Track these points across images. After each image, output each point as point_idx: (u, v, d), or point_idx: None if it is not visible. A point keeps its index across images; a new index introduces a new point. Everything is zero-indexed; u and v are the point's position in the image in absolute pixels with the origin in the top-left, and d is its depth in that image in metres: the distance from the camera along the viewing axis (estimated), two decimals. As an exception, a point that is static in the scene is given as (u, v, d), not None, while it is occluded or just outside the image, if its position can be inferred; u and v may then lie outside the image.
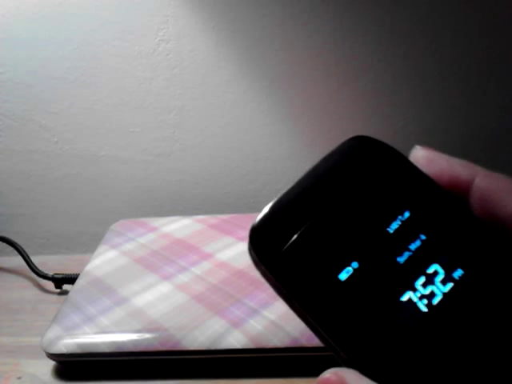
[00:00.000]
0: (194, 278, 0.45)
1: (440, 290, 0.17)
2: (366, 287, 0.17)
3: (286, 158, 0.61)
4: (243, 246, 0.50)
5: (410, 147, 0.67)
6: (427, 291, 0.17)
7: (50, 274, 0.50)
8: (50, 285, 0.50)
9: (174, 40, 0.56)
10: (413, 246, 0.18)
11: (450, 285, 0.17)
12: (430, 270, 0.17)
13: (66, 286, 0.50)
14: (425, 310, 0.17)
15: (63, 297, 0.48)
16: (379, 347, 0.17)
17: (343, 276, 0.18)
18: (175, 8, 0.55)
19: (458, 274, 0.17)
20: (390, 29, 0.55)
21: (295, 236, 0.18)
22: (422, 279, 0.17)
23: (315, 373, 0.39)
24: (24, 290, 0.51)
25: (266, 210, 0.19)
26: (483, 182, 0.20)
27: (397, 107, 0.58)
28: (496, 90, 0.57)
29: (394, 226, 0.18)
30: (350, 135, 0.67)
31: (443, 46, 0.55)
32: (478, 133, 0.59)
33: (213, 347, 0.37)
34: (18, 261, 0.53)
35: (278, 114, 0.59)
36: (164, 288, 0.44)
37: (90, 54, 0.57)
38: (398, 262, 0.17)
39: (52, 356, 0.39)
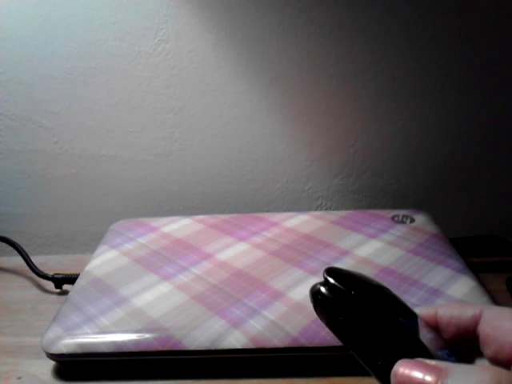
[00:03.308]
0: (194, 277, 0.45)
1: None
2: None
3: (286, 158, 0.61)
4: (243, 246, 0.50)
5: (410, 146, 0.67)
6: None
7: (50, 274, 0.50)
8: (50, 285, 0.50)
9: (173, 40, 0.56)
10: None
11: None
12: None
13: (65, 286, 0.50)
14: None
15: (63, 297, 0.48)
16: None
17: None
18: (175, 8, 0.55)
19: None
20: (390, 28, 0.55)
21: None
22: None
23: (315, 373, 0.40)
24: (24, 290, 0.51)
25: None
26: (491, 312, 0.23)
27: (396, 107, 0.58)
28: (496, 90, 0.57)
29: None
30: (350, 135, 0.67)
31: (443, 45, 0.55)
32: (477, 132, 0.59)
33: (213, 347, 0.37)
34: (18, 261, 0.53)
35: (277, 113, 0.59)
36: (164, 288, 0.44)
37: (90, 53, 0.57)
38: None
39: (52, 356, 0.39)
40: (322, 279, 0.25)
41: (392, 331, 0.23)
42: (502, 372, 0.19)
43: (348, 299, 0.24)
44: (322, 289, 0.24)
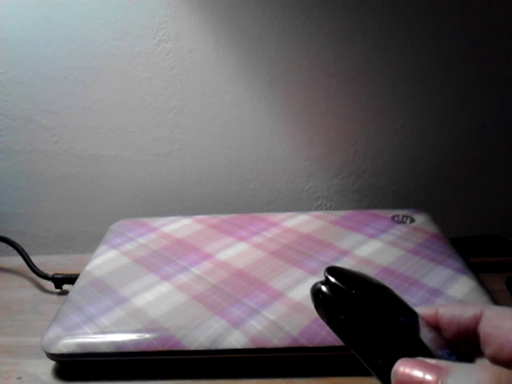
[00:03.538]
0: (194, 277, 0.45)
1: None
2: None
3: (286, 158, 0.61)
4: (243, 246, 0.50)
5: (410, 146, 0.67)
6: None
7: (50, 274, 0.50)
8: (50, 285, 0.50)
9: (173, 40, 0.56)
10: None
11: None
12: None
13: (65, 286, 0.50)
14: None
15: (63, 297, 0.48)
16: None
17: None
18: (175, 8, 0.55)
19: None
20: (389, 28, 0.55)
21: None
22: None
23: (315, 373, 0.40)
24: (24, 290, 0.51)
25: None
26: (491, 312, 0.24)
27: (396, 107, 0.58)
28: (495, 90, 0.57)
29: None
30: (350, 135, 0.67)
31: (442, 45, 0.55)
32: (477, 132, 0.59)
33: (213, 347, 0.37)
34: (18, 261, 0.53)
35: (277, 113, 0.59)
36: (164, 288, 0.44)
37: (90, 53, 0.57)
38: None
39: (52, 356, 0.39)
40: (322, 279, 0.25)
41: (393, 330, 0.23)
42: (502, 371, 0.19)
43: (349, 298, 0.24)
44: (323, 288, 0.24)
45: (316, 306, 0.25)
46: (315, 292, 0.25)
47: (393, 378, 0.21)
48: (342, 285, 0.24)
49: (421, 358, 0.21)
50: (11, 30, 0.56)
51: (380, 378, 0.22)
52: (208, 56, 0.57)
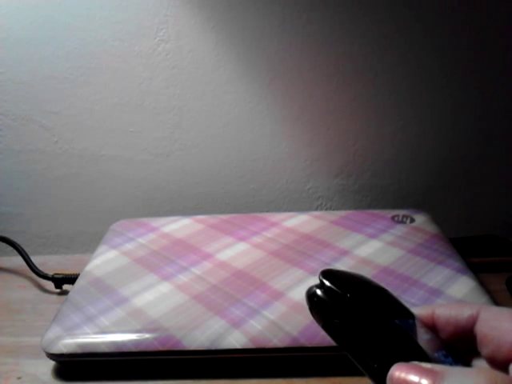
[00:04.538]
0: (194, 278, 0.45)
1: None
2: None
3: (286, 158, 0.61)
4: (243, 246, 0.50)
5: (410, 147, 0.67)
6: None
7: (50, 274, 0.50)
8: (50, 285, 0.50)
9: (173, 40, 0.56)
10: None
11: None
12: None
13: (66, 286, 0.50)
14: None
15: (63, 297, 0.48)
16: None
17: None
18: (175, 8, 0.55)
19: None
20: (390, 29, 0.55)
21: None
22: None
23: (315, 373, 0.40)
24: (24, 290, 0.51)
25: None
26: (488, 312, 0.24)
27: (396, 107, 0.58)
28: (496, 90, 0.57)
29: None
30: (350, 135, 0.67)
31: (442, 45, 0.55)
32: (477, 132, 0.59)
33: (213, 347, 0.37)
34: (18, 261, 0.53)
35: (277, 113, 0.59)
36: (164, 288, 0.44)
37: (90, 53, 0.57)
38: None
39: (52, 356, 0.39)
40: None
41: (388, 334, 0.23)
42: (497, 375, 0.19)
43: (343, 302, 0.24)
44: (318, 291, 0.24)
45: (311, 310, 0.25)
46: (310, 295, 0.25)
47: (388, 383, 0.21)
48: (337, 288, 0.24)
49: (416, 363, 0.21)
50: (11, 30, 0.56)
51: (375, 381, 0.22)
52: (208, 56, 0.57)
